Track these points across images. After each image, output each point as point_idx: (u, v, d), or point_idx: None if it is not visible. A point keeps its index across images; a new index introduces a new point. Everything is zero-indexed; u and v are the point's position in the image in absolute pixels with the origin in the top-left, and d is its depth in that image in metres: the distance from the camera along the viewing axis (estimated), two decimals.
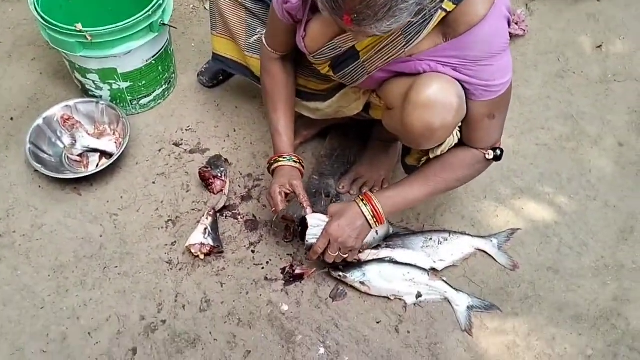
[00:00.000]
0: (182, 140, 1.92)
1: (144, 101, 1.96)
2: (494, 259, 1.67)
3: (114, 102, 1.91)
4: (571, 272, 1.65)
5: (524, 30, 2.25)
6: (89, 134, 1.88)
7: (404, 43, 1.24)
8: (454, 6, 1.16)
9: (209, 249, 1.62)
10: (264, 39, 1.52)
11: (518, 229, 1.72)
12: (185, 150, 1.90)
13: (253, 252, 1.67)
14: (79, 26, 1.66)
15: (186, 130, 1.95)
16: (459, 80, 1.25)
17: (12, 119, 1.97)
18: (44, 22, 1.70)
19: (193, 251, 1.62)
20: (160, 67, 1.92)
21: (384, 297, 1.58)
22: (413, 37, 1.22)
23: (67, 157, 1.84)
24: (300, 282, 1.61)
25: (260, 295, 1.59)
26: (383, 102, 1.47)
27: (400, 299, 1.58)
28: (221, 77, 2.06)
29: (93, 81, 1.86)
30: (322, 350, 1.50)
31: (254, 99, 2.03)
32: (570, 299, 1.60)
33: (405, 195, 1.45)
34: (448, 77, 1.24)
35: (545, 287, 1.62)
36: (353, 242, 1.46)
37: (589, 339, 1.53)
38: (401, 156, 1.67)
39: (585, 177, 1.86)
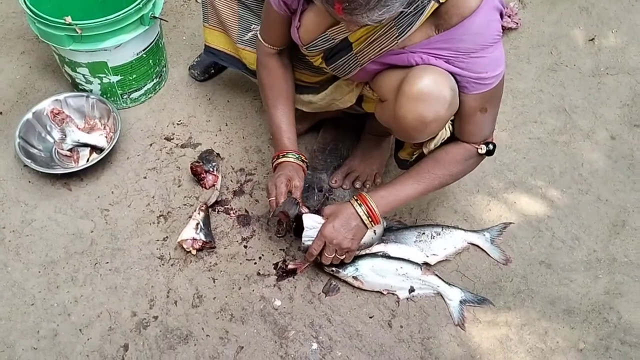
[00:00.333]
0: (173, 134, 1.91)
1: (134, 95, 1.95)
2: (486, 253, 1.67)
3: (105, 96, 1.89)
4: (563, 266, 1.65)
5: (517, 23, 2.25)
6: (79, 129, 1.86)
7: (396, 35, 1.24)
8: None
9: (201, 244, 1.61)
10: (259, 35, 1.51)
11: (510, 223, 1.72)
12: (177, 144, 1.88)
13: (245, 247, 1.67)
14: (69, 19, 1.64)
15: (177, 124, 1.94)
16: (451, 73, 1.25)
17: (1, 113, 1.94)
18: (33, 15, 1.68)
19: (185, 246, 1.61)
20: (151, 61, 1.90)
21: (377, 291, 1.58)
22: (405, 29, 1.22)
23: (57, 151, 1.83)
24: (293, 277, 1.60)
25: (253, 290, 1.58)
26: (376, 94, 1.47)
27: (393, 294, 1.58)
28: (213, 71, 2.05)
29: (83, 75, 1.84)
30: (315, 346, 1.49)
31: (246, 92, 2.02)
32: (562, 292, 1.61)
33: (399, 193, 1.45)
34: (441, 70, 1.24)
35: (538, 281, 1.63)
36: (349, 243, 1.45)
37: (581, 333, 1.54)
38: (394, 150, 1.66)
39: (577, 170, 1.87)
